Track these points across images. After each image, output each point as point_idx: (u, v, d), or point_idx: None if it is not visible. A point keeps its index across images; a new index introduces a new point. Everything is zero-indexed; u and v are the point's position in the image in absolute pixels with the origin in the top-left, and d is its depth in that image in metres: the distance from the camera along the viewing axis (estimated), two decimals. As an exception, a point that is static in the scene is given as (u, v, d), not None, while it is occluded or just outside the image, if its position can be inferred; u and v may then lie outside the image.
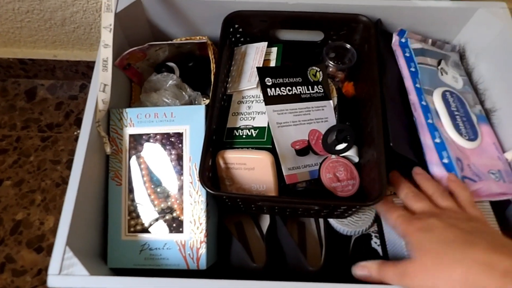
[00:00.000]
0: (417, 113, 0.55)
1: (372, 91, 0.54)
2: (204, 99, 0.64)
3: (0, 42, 0.86)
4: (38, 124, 0.89)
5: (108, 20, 0.50)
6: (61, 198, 0.81)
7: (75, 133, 0.88)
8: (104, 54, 0.50)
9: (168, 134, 0.54)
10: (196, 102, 0.63)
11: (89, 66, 0.88)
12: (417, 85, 0.57)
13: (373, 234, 0.60)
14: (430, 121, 0.53)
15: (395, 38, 0.61)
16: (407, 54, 0.60)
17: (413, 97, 0.56)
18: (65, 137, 0.88)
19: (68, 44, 0.85)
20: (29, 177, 0.83)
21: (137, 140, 0.54)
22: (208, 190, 0.46)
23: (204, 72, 0.67)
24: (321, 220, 0.62)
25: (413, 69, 0.58)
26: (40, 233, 0.78)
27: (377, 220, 0.59)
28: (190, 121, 0.52)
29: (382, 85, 0.54)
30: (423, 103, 0.55)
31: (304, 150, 0.56)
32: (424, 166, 0.53)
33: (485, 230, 0.40)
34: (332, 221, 0.59)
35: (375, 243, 0.60)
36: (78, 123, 0.90)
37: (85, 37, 0.82)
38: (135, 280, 0.41)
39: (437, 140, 0.52)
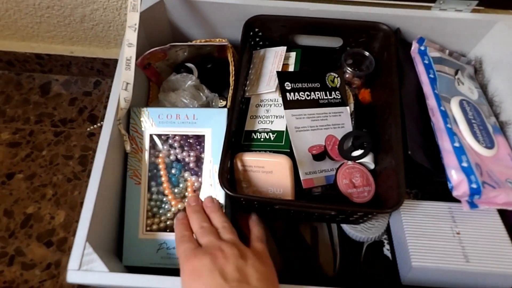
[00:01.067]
0: (435, 118, 0.55)
1: (391, 99, 0.54)
2: (221, 100, 0.64)
3: (18, 36, 0.86)
4: (52, 119, 0.89)
5: (133, 19, 0.50)
6: (72, 193, 0.81)
7: (88, 129, 0.88)
8: (128, 53, 0.50)
9: (187, 135, 0.54)
10: (213, 103, 0.63)
11: (105, 64, 0.89)
12: (436, 91, 0.57)
13: (385, 241, 0.61)
14: (449, 125, 0.53)
15: (414, 46, 0.62)
16: (426, 61, 0.60)
17: (431, 102, 0.56)
18: (78, 132, 0.88)
19: (85, 40, 0.85)
20: (41, 171, 0.83)
21: (157, 140, 0.54)
22: (228, 191, 0.46)
23: (222, 74, 0.67)
24: (333, 225, 0.62)
25: (431, 76, 0.59)
26: (50, 227, 0.78)
27: (388, 227, 0.59)
28: (212, 124, 0.52)
29: (401, 93, 0.55)
30: (442, 108, 0.55)
31: (320, 155, 0.57)
32: (441, 172, 0.53)
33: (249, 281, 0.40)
34: (345, 226, 0.59)
35: (387, 250, 0.60)
36: (91, 119, 0.90)
37: (103, 35, 0.83)
38: (156, 279, 0.41)
39: (456, 144, 0.52)
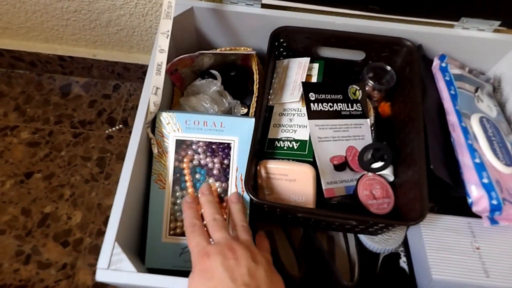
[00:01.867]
0: (456, 134, 0.56)
1: (413, 113, 0.55)
2: (243, 108, 0.66)
3: (43, 38, 0.88)
4: (71, 120, 0.91)
5: (166, 26, 0.52)
6: (90, 195, 0.82)
7: (107, 131, 0.90)
8: (159, 58, 0.52)
9: (211, 142, 0.55)
10: (235, 110, 0.65)
11: (126, 68, 0.90)
12: (457, 107, 0.58)
13: (402, 253, 0.61)
14: (469, 141, 0.54)
15: (436, 62, 0.63)
16: (447, 78, 0.61)
17: (452, 118, 0.57)
18: (96, 135, 0.89)
19: (108, 44, 0.87)
20: (59, 171, 0.84)
21: (182, 146, 0.55)
22: (254, 198, 0.47)
23: (244, 82, 0.69)
24: (349, 235, 0.62)
25: (453, 92, 0.60)
26: (67, 227, 0.79)
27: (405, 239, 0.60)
28: (239, 133, 0.54)
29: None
30: (463, 124, 0.56)
31: (341, 166, 0.58)
32: (460, 187, 0.54)
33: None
34: (362, 237, 0.60)
35: (403, 262, 0.60)
36: (109, 122, 0.91)
37: (126, 40, 0.85)
38: (184, 281, 0.42)
39: (477, 160, 0.53)
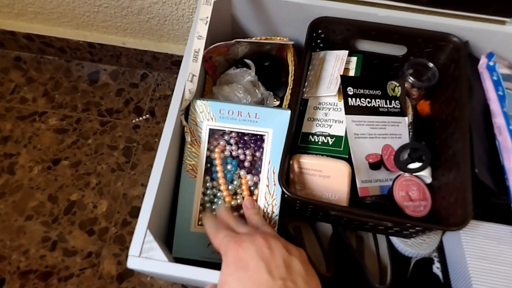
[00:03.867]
0: (502, 137, 0.55)
1: (458, 114, 0.54)
2: (275, 100, 0.66)
3: (73, 24, 0.91)
4: (98, 108, 0.94)
5: (205, 12, 0.53)
6: (115, 184, 0.85)
7: (133, 121, 0.92)
8: (197, 45, 0.53)
9: (243, 134, 0.56)
10: (268, 101, 0.65)
11: (155, 57, 0.92)
12: (504, 109, 0.57)
13: (435, 259, 0.61)
14: (517, 146, 0.53)
15: (483, 60, 0.62)
16: (495, 78, 0.60)
17: (499, 120, 0.57)
18: (123, 124, 0.92)
19: (138, 33, 0.89)
20: (86, 159, 0.87)
21: (215, 135, 0.56)
22: (287, 193, 0.48)
23: (277, 73, 0.69)
24: (380, 237, 0.62)
25: (500, 93, 0.59)
26: (92, 216, 0.82)
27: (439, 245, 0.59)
28: (273, 125, 0.54)
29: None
30: (511, 127, 0.55)
31: (376, 164, 0.58)
32: (505, 194, 0.53)
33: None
34: (394, 239, 0.60)
35: (437, 268, 0.60)
36: (136, 111, 0.94)
37: (157, 28, 0.86)
38: (215, 274, 0.43)
39: (524, 168, 0.52)
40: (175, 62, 0.93)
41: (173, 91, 0.53)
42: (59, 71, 0.99)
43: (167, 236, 0.56)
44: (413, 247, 0.59)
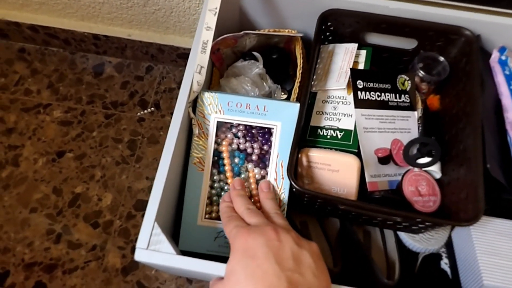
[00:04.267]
0: (514, 133, 0.55)
1: (470, 109, 0.54)
2: (283, 93, 0.66)
3: (78, 16, 0.91)
4: (103, 100, 0.94)
5: (214, 3, 0.52)
6: (120, 177, 0.85)
7: (138, 114, 0.92)
8: (205, 36, 0.52)
9: (251, 127, 0.55)
10: (276, 95, 0.65)
11: (160, 49, 0.92)
12: (516, 105, 0.56)
13: (443, 255, 0.60)
14: (528, 142, 0.53)
15: (495, 54, 0.61)
16: (507, 72, 0.60)
17: (511, 115, 0.56)
18: (128, 116, 0.92)
19: (144, 25, 0.89)
20: (91, 152, 0.87)
21: (222, 128, 0.56)
22: (296, 186, 0.48)
23: (285, 66, 0.69)
24: (387, 232, 0.62)
25: (512, 88, 0.58)
26: (97, 209, 0.82)
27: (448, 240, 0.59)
28: (282, 118, 0.54)
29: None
30: (523, 123, 0.54)
31: (385, 159, 0.57)
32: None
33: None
34: (402, 235, 0.60)
35: (445, 263, 0.59)
36: (141, 104, 0.93)
37: (163, 20, 0.86)
38: (223, 267, 0.42)
39: (534, 163, 0.51)
40: (180, 55, 0.93)
41: (178, 84, 0.53)
42: (64, 63, 0.98)
43: (173, 229, 0.56)
44: (421, 243, 0.58)
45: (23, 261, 0.78)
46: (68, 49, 1.00)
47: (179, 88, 0.52)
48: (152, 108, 0.93)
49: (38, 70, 0.98)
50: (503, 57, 0.61)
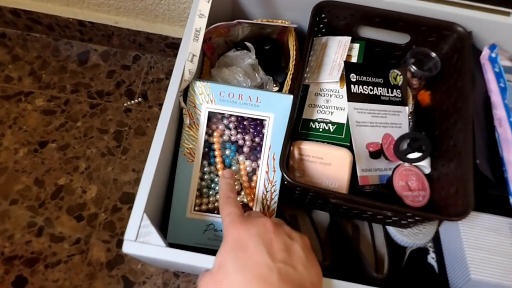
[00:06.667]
0: (502, 129, 0.56)
1: (461, 105, 0.55)
2: (274, 85, 0.66)
3: (63, 0, 0.90)
4: (88, 89, 0.92)
5: (208, -11, 0.52)
6: (105, 169, 0.84)
7: (125, 104, 0.91)
8: (198, 24, 0.52)
9: (243, 118, 0.55)
10: (267, 86, 0.65)
11: (148, 38, 0.91)
12: (505, 101, 0.58)
13: (430, 249, 0.62)
14: (517, 138, 0.54)
15: (485, 52, 0.63)
16: (497, 70, 0.61)
17: (500, 112, 0.57)
18: (114, 106, 0.91)
19: (132, 12, 0.88)
20: (75, 142, 0.86)
21: (213, 119, 0.55)
22: (288, 179, 0.48)
23: (277, 58, 0.69)
24: (376, 226, 0.63)
25: (502, 85, 0.60)
26: (81, 201, 0.81)
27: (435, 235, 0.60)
28: (275, 109, 0.54)
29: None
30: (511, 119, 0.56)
31: (376, 153, 0.58)
32: (503, 186, 0.54)
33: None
34: (391, 229, 0.61)
35: (432, 258, 0.61)
36: (128, 94, 0.92)
37: (152, 8, 0.85)
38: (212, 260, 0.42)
39: (522, 158, 0.53)
40: (169, 44, 0.92)
41: (166, 74, 0.52)
42: (47, 50, 0.97)
43: (162, 222, 0.56)
44: (409, 237, 0.60)
45: (3, 255, 0.77)
46: (51, 35, 0.98)
47: (167, 78, 0.52)
48: (139, 99, 0.92)
49: (20, 57, 0.96)
50: (493, 55, 0.63)
